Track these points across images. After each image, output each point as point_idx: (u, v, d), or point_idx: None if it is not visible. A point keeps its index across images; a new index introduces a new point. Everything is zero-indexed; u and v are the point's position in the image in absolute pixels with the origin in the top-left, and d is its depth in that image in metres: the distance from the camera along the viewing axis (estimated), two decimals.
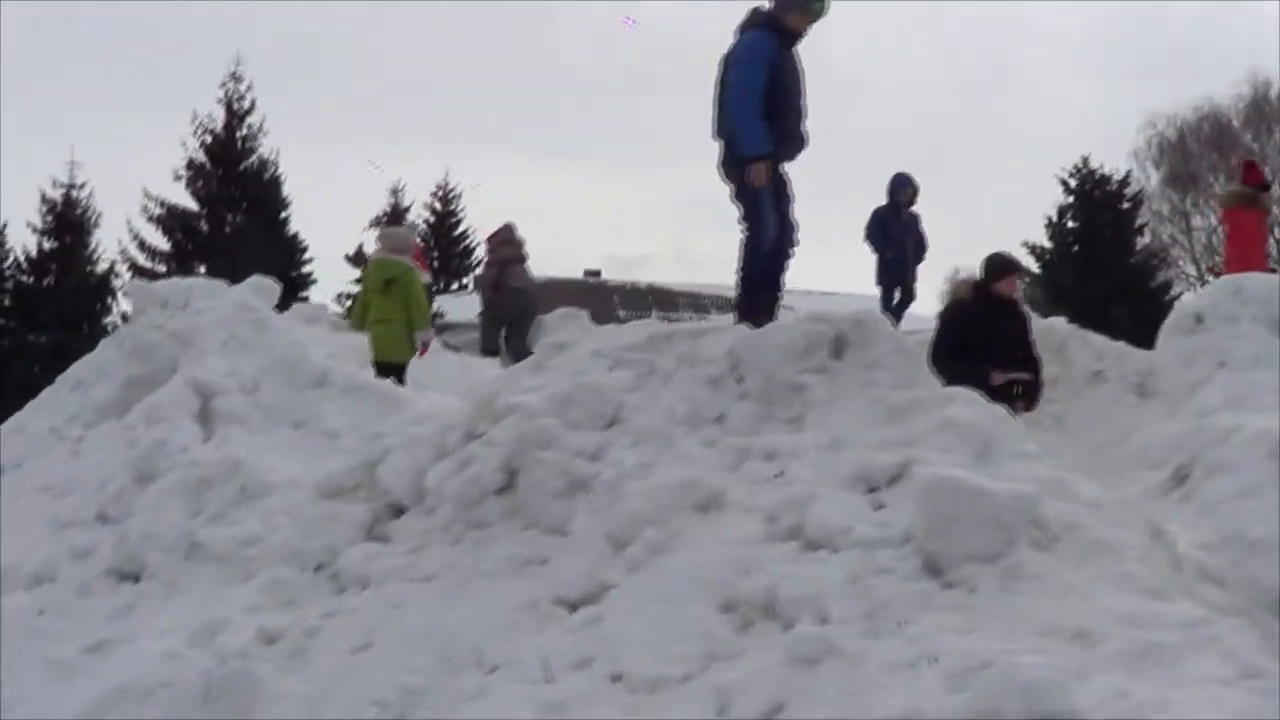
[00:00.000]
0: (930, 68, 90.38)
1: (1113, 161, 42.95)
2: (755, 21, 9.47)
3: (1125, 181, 39.77)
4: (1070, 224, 37.99)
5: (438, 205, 47.71)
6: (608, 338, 8.89)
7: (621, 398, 7.99)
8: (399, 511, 8.23)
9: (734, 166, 9.36)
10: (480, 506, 7.64)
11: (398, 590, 7.46)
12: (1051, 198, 38.85)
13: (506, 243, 16.41)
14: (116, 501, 9.26)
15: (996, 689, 5.10)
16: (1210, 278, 43.75)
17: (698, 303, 43.35)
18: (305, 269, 36.21)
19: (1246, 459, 8.33)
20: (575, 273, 46.72)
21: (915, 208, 16.71)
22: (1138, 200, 40.78)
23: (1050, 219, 38.02)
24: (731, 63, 9.44)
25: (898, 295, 16.50)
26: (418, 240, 14.73)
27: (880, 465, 7.20)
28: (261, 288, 10.86)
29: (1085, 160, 38.39)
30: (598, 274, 48.32)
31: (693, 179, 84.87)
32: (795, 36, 9.46)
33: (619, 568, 6.98)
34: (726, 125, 9.39)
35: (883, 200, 16.52)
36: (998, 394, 8.87)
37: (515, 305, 16.04)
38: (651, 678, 6.20)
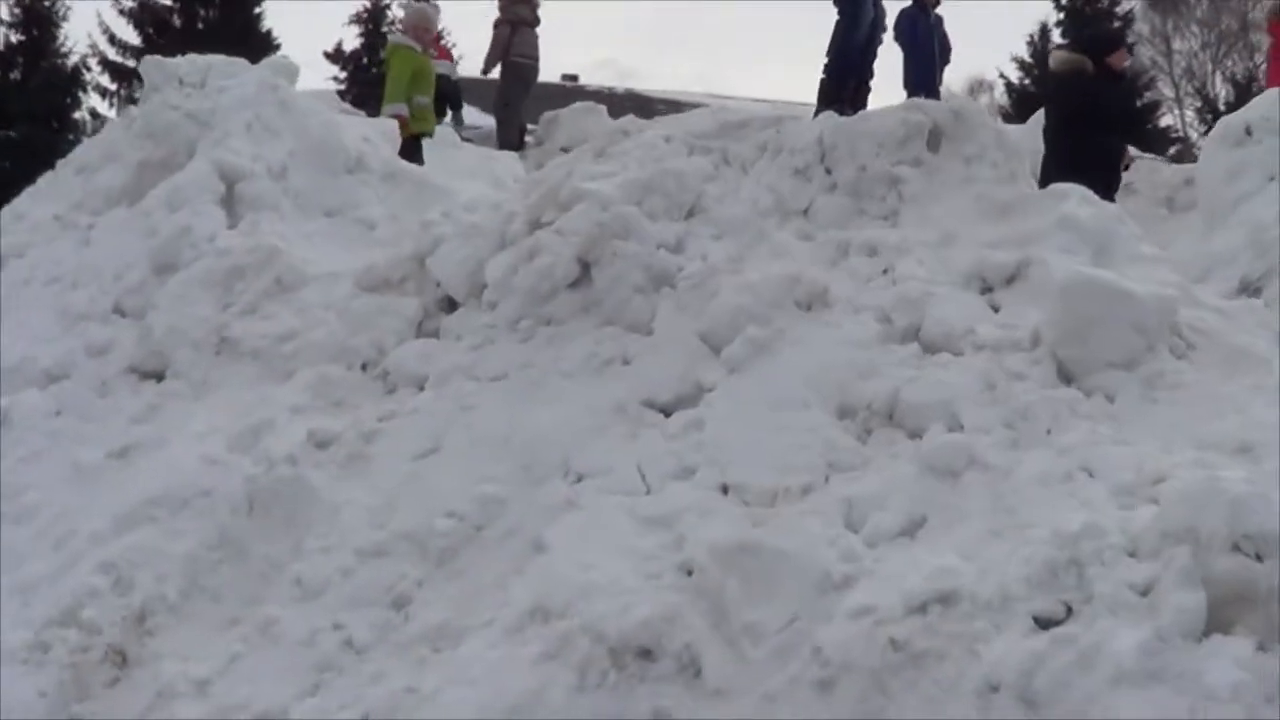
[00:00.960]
0: None
1: None
2: None
3: None
4: (1060, 40, 36.82)
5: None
6: (679, 124, 8.15)
7: (702, 186, 7.31)
8: (452, 306, 7.57)
9: None
10: (551, 301, 6.99)
11: (463, 390, 6.82)
12: (1039, 12, 37.75)
13: (519, 1, 15.17)
14: (135, 293, 8.52)
15: (1193, 504, 4.53)
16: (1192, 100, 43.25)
17: (677, 110, 42.21)
18: None
19: None
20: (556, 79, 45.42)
21: (940, 9, 15.98)
22: (1128, 19, 39.69)
23: (1033, 36, 36.86)
24: None
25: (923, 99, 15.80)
26: (433, 24, 13.45)
27: (996, 264, 6.58)
28: (283, 67, 10.02)
29: None
30: (575, 78, 47.12)
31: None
32: None
33: (716, 369, 6.37)
34: None
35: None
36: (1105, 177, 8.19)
37: (516, 81, 14.93)
38: (767, 488, 5.65)
